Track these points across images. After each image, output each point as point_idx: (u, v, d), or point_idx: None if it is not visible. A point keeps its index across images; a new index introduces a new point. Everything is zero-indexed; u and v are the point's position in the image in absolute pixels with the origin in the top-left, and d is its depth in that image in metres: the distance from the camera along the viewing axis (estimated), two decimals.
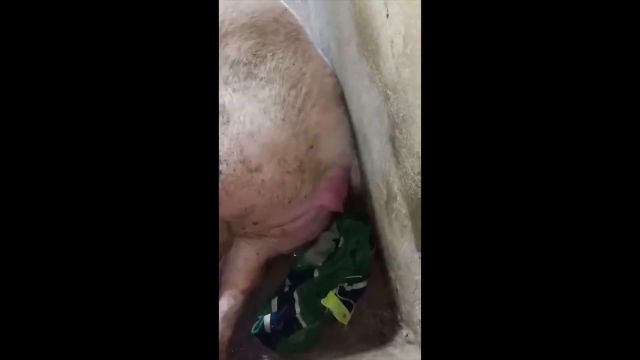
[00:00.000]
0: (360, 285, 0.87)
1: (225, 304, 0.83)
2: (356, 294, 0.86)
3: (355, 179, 0.90)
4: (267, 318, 0.83)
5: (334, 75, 0.88)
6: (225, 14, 0.79)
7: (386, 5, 0.46)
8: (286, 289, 0.87)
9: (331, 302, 0.83)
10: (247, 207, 0.80)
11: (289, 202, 0.83)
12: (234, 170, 0.77)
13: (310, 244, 0.91)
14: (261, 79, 0.79)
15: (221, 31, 0.79)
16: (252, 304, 0.87)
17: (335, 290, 0.84)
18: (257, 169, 0.78)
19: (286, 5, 0.86)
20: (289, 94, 0.79)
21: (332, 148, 0.87)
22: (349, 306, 0.84)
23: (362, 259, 0.85)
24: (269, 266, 0.92)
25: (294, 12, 0.87)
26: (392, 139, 0.57)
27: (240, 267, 0.87)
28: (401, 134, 0.52)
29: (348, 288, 0.86)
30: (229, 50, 0.78)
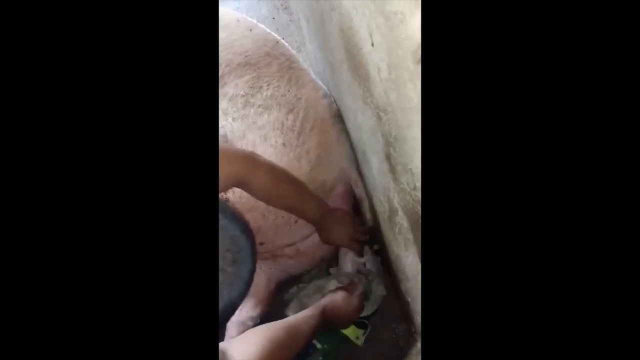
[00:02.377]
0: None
1: (235, 331, 0.85)
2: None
3: (358, 192, 0.92)
4: None
5: (327, 96, 0.91)
6: (220, 57, 0.83)
7: (371, 35, 0.49)
8: None
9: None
10: (252, 229, 0.83)
11: (295, 221, 0.85)
12: (240, 197, 0.80)
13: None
14: (259, 106, 0.83)
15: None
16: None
17: None
18: None
19: (278, 37, 0.90)
20: (287, 119, 0.83)
21: (334, 166, 0.89)
22: (363, 326, 0.85)
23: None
24: (280, 287, 0.93)
25: (285, 43, 0.91)
26: (388, 157, 0.60)
27: (251, 293, 0.89)
28: (395, 152, 0.54)
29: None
30: (227, 89, 0.82)
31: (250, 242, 0.53)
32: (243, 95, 0.82)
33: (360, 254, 0.86)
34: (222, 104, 0.82)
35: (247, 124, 0.81)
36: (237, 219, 0.53)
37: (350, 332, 0.83)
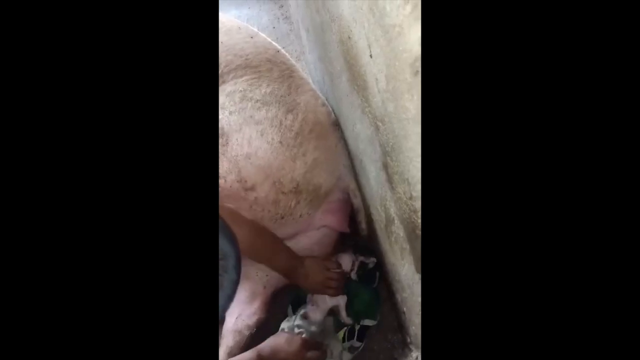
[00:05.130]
0: (368, 322, 0.88)
1: (231, 339, 0.84)
2: (364, 331, 0.88)
3: (356, 201, 0.92)
4: None
5: (326, 105, 0.92)
6: (220, 58, 0.84)
7: (369, 46, 0.50)
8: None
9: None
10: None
11: (281, 217, 0.85)
12: (230, 186, 0.80)
13: None
14: (257, 101, 0.82)
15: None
16: (260, 332, 0.88)
17: (343, 333, 0.86)
18: (252, 188, 0.81)
19: (279, 47, 0.91)
20: (285, 118, 0.82)
21: (331, 172, 0.89)
22: (353, 351, 0.86)
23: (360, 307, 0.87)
24: (277, 295, 0.93)
25: (286, 53, 0.92)
26: (385, 166, 0.60)
27: (247, 301, 0.88)
28: (392, 161, 0.55)
29: (356, 327, 0.87)
30: (226, 86, 0.83)
31: (236, 251, 0.53)
32: (240, 91, 0.82)
33: (337, 293, 0.86)
34: (220, 99, 0.81)
35: (244, 118, 0.80)
36: (223, 228, 0.53)
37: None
